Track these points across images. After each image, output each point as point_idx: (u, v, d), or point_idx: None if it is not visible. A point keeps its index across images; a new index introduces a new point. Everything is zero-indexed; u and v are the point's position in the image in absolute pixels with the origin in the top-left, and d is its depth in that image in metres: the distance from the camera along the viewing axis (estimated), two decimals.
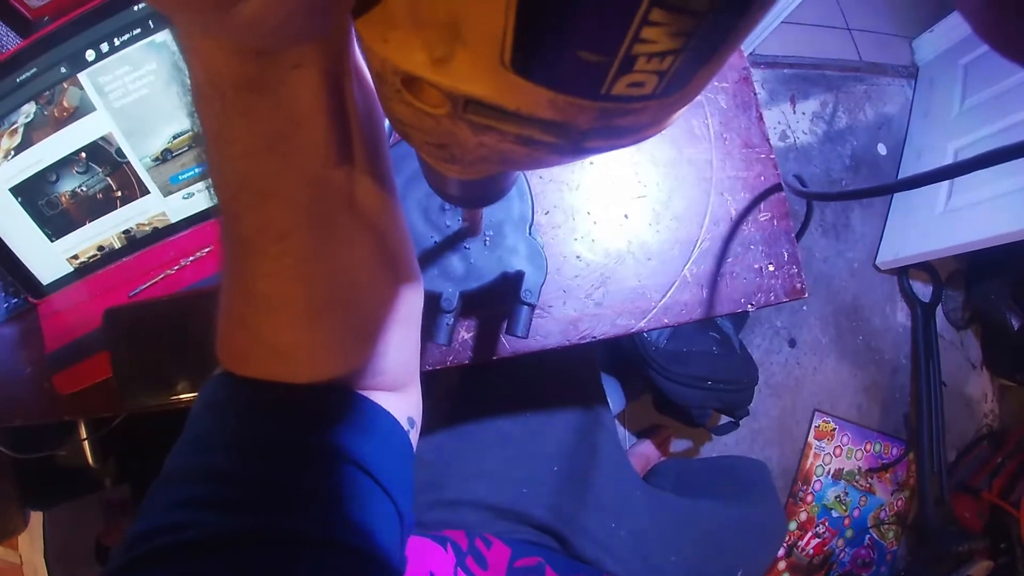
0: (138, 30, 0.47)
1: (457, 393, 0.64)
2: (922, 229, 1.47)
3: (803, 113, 1.65)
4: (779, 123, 1.62)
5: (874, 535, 1.46)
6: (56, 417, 0.54)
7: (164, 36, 0.47)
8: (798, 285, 0.53)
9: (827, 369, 1.52)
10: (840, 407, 1.51)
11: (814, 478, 1.45)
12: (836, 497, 1.45)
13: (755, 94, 0.55)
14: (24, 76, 0.47)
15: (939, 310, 1.58)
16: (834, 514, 1.44)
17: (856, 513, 1.46)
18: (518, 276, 0.43)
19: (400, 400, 0.29)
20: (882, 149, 1.68)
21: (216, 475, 0.22)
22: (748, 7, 0.09)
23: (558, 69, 0.10)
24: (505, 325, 0.44)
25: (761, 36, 1.36)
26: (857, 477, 1.47)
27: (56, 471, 0.92)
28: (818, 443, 1.47)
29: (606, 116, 0.12)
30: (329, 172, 0.19)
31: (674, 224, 0.53)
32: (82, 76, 0.47)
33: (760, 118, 0.55)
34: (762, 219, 0.54)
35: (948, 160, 1.46)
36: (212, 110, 0.17)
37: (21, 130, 0.48)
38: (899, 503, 1.49)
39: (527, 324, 0.43)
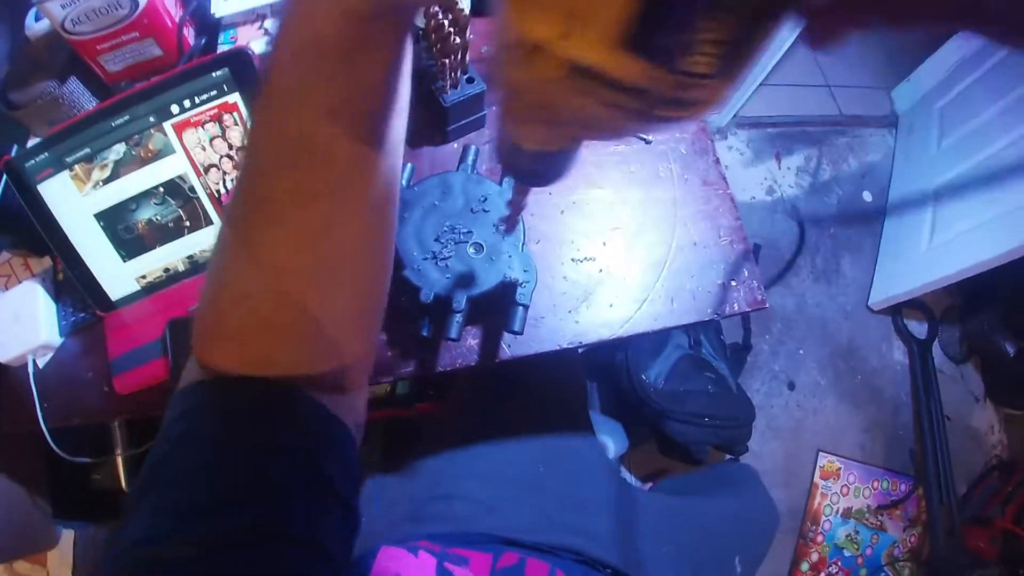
0: (215, 91, 0.58)
1: (462, 414, 0.72)
2: (910, 267, 1.54)
3: (788, 168, 1.75)
4: (765, 179, 1.72)
5: (889, 573, 1.42)
6: (112, 416, 0.61)
7: (235, 97, 0.59)
8: (759, 296, 0.61)
9: (827, 410, 1.53)
10: (843, 447, 1.51)
11: (823, 518, 1.44)
12: (847, 536, 1.43)
13: (711, 140, 0.66)
14: (119, 122, 0.57)
15: (936, 346, 1.60)
16: (846, 553, 1.42)
17: (869, 552, 1.43)
18: (513, 283, 0.52)
19: (349, 405, 0.30)
20: (867, 196, 1.76)
21: (187, 480, 0.23)
22: (771, 25, 0.14)
23: (652, 48, 0.14)
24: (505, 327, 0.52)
25: (743, 99, 1.49)
26: (867, 515, 1.45)
27: (89, 492, 0.96)
28: (824, 483, 1.46)
29: (679, 88, 0.16)
30: (369, 144, 0.22)
31: (645, 251, 0.63)
32: (166, 125, 0.58)
33: (717, 161, 0.66)
34: (723, 243, 0.63)
35: (930, 200, 1.55)
36: (298, 69, 0.19)
37: (111, 166, 0.58)
38: (912, 539, 1.46)
39: (522, 321, 0.51)
